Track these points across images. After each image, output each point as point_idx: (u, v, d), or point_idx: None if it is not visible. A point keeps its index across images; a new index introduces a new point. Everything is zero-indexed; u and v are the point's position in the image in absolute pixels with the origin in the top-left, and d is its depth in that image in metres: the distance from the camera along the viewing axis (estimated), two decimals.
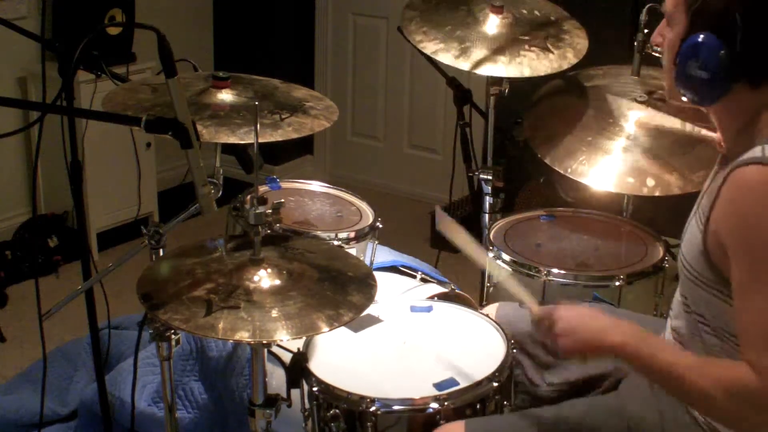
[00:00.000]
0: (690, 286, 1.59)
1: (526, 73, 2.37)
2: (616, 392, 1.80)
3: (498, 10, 2.48)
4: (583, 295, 2.20)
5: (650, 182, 2.29)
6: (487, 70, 2.38)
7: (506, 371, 1.80)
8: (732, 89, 1.52)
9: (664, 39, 1.62)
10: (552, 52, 2.42)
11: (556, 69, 2.41)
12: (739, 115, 1.54)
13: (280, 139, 1.94)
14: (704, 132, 2.31)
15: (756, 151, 1.44)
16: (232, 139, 1.89)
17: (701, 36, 1.50)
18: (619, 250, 2.35)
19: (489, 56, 2.38)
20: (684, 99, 1.58)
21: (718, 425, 1.58)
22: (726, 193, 1.47)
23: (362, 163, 4.92)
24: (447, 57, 2.39)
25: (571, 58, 2.44)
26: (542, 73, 2.39)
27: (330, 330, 1.58)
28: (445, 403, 1.71)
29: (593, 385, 1.90)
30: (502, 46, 2.41)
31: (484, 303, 2.36)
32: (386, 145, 4.87)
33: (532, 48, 2.42)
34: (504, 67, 2.36)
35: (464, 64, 2.38)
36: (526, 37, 2.45)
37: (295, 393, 1.84)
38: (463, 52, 2.39)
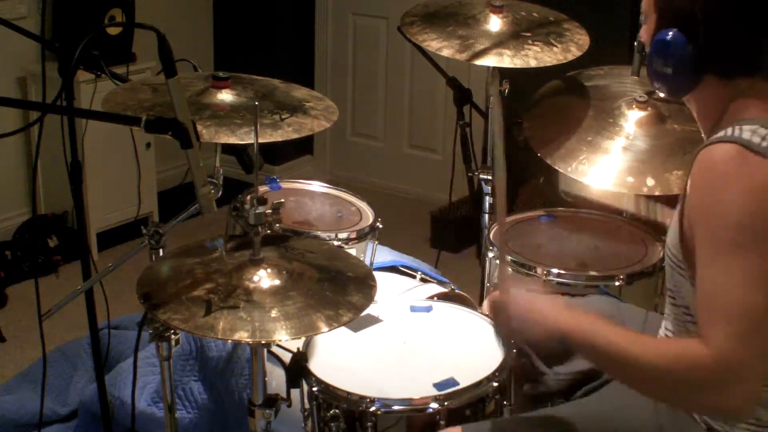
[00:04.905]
0: (672, 274, 1.60)
1: (533, 64, 2.37)
2: (609, 392, 1.79)
3: (498, 10, 2.49)
4: (584, 294, 2.20)
5: (650, 182, 2.29)
6: (493, 62, 2.38)
7: (506, 371, 1.80)
8: (703, 82, 1.55)
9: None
10: (556, 46, 2.42)
11: (561, 60, 2.41)
12: (713, 107, 1.57)
13: (280, 139, 1.94)
14: None
15: (721, 133, 1.47)
16: (232, 139, 1.89)
17: (665, 33, 1.54)
18: (619, 250, 2.35)
19: (493, 50, 2.39)
20: (661, 94, 1.64)
21: (714, 422, 1.57)
22: (692, 171, 1.50)
23: (362, 163, 4.92)
24: (450, 52, 2.39)
25: (575, 51, 2.44)
26: (548, 64, 2.39)
27: (329, 330, 1.58)
28: (445, 403, 1.71)
29: (600, 374, 1.89)
30: (505, 41, 2.42)
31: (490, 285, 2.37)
32: (386, 145, 4.86)
33: (536, 42, 2.42)
34: (510, 59, 2.37)
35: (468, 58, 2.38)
36: (528, 34, 2.46)
37: (295, 393, 1.83)
38: (467, 48, 2.39)
